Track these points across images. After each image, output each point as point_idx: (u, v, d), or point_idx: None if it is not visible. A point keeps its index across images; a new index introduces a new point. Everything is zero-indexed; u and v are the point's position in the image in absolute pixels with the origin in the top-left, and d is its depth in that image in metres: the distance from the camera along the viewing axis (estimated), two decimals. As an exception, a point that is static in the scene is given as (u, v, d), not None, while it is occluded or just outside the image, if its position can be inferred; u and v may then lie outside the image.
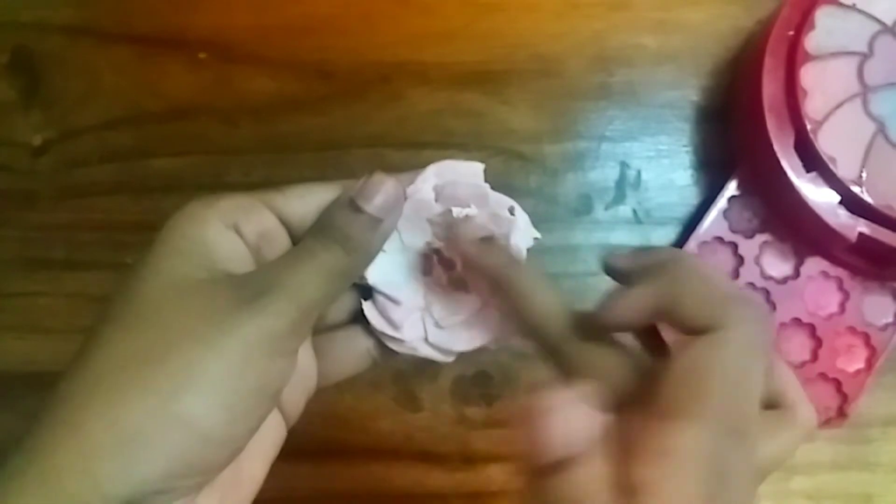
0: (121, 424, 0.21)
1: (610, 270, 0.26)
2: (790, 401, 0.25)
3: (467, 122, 0.46)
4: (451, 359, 0.28)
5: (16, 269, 0.44)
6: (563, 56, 0.46)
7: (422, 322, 0.28)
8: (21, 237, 0.45)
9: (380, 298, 0.27)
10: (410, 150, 0.45)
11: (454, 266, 0.28)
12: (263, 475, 0.26)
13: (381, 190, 0.25)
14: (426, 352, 0.28)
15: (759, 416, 0.22)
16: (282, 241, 0.26)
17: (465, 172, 0.28)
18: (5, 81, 0.46)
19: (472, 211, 0.27)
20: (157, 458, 0.21)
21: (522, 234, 0.28)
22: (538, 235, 0.28)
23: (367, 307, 0.27)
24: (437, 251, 0.28)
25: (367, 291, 0.28)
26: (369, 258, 0.26)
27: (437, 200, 0.28)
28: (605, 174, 0.46)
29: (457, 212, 0.27)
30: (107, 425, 0.21)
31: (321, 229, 0.25)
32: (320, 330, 0.28)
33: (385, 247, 0.27)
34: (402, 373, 0.44)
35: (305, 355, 0.27)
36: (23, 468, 0.20)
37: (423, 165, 0.27)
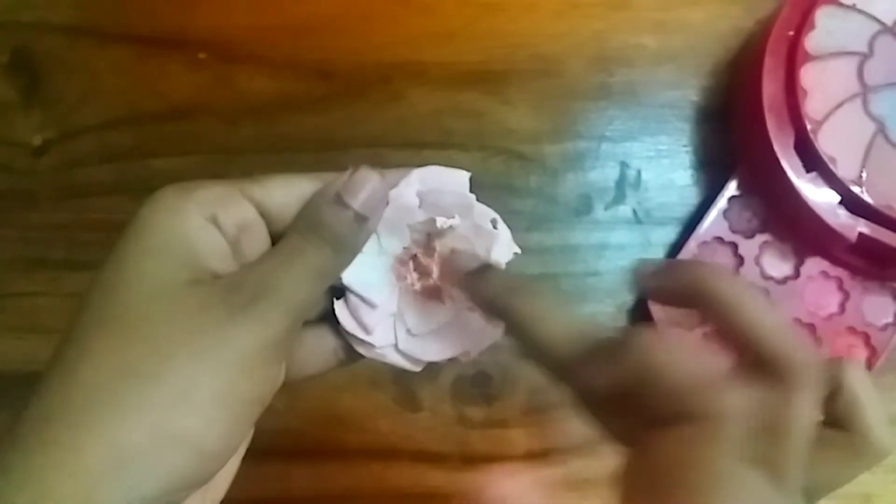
0: (119, 446, 0.20)
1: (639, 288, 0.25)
2: (858, 426, 0.23)
3: (467, 122, 0.45)
4: (418, 368, 0.28)
5: (16, 269, 0.44)
6: (563, 56, 0.46)
7: (393, 328, 0.27)
8: (21, 237, 0.45)
9: (353, 299, 0.27)
10: (410, 150, 0.45)
11: (429, 274, 0.28)
12: (235, 470, 0.25)
13: (367, 186, 0.24)
14: (394, 359, 0.28)
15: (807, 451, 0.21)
16: (260, 234, 0.25)
17: (450, 181, 0.27)
18: (5, 81, 0.46)
19: (455, 222, 0.27)
20: (156, 478, 0.20)
21: (503, 248, 0.27)
22: (518, 251, 0.28)
23: (339, 307, 0.27)
24: (413, 257, 0.28)
25: (339, 291, 0.27)
26: (353, 257, 0.25)
27: (420, 207, 0.27)
28: (605, 174, 0.46)
29: (440, 222, 0.27)
30: (105, 447, 0.20)
31: (309, 227, 0.24)
32: None
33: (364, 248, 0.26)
34: (402, 373, 0.43)
35: None
36: (11, 494, 0.19)
37: (422, 165, 0.27)
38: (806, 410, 0.21)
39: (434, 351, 0.28)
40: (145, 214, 0.23)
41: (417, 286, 0.28)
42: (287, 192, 0.25)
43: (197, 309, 0.22)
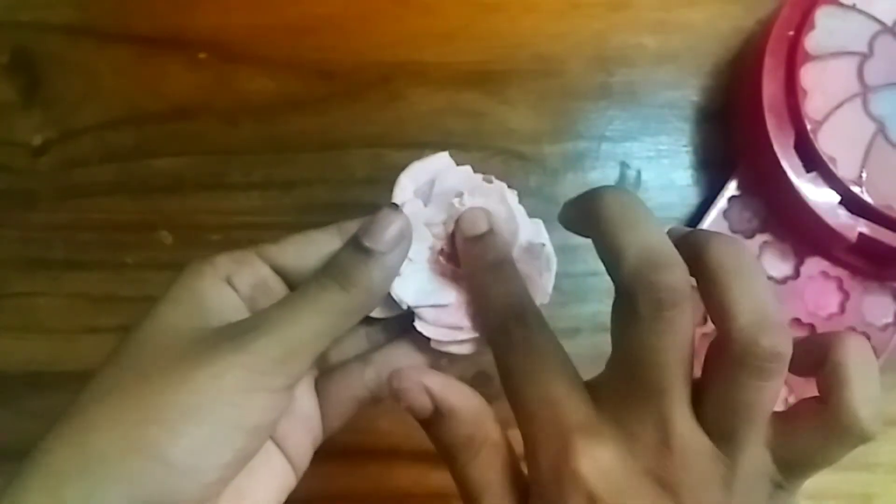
0: (84, 450, 0.22)
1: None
2: (834, 400, 0.21)
3: (467, 122, 0.45)
4: None
5: (16, 269, 0.44)
6: (563, 56, 0.46)
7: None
8: (21, 237, 0.45)
9: (427, 312, 0.27)
10: (410, 150, 0.45)
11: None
12: None
13: (382, 223, 0.25)
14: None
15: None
16: (277, 291, 0.26)
17: (433, 167, 0.28)
18: (5, 81, 0.46)
19: (466, 197, 0.28)
20: (118, 484, 0.21)
21: (514, 198, 0.29)
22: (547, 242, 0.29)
23: (422, 326, 0.27)
24: (441, 251, 0.28)
25: (409, 316, 0.27)
26: (372, 294, 0.26)
27: (426, 205, 0.28)
28: (605, 174, 0.46)
29: (457, 201, 0.27)
30: (71, 450, 0.22)
31: (322, 270, 0.26)
32: (323, 371, 0.29)
33: (401, 270, 0.26)
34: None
35: (306, 398, 0.27)
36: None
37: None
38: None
39: None
40: (176, 281, 0.26)
41: (457, 274, 0.28)
42: (302, 248, 0.27)
43: (191, 342, 0.24)
